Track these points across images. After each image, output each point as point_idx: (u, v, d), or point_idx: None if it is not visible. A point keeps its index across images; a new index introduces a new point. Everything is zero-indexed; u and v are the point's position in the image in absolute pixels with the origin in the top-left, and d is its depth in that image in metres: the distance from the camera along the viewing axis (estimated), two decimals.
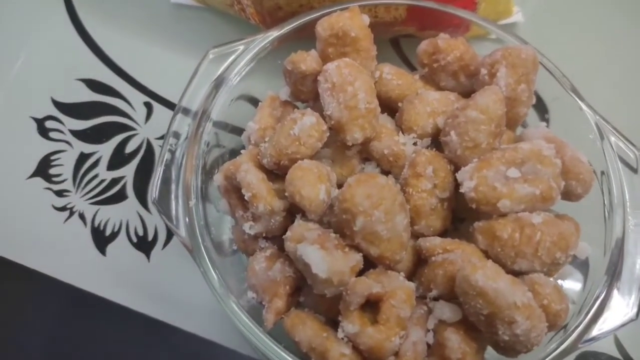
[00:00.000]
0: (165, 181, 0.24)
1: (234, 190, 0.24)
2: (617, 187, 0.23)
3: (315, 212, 0.22)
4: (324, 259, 0.20)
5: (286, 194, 0.22)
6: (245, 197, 0.23)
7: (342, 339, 0.21)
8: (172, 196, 0.23)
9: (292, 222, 0.23)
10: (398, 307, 0.20)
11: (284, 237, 0.22)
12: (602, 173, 0.24)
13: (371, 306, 0.21)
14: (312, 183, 0.22)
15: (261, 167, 0.24)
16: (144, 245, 0.28)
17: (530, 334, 0.20)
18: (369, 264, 0.22)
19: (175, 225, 0.22)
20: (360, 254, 0.21)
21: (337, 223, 0.21)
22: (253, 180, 0.23)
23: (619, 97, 0.32)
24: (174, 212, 0.23)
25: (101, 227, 0.28)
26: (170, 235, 0.28)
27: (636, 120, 0.27)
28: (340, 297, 0.21)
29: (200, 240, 0.22)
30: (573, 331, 0.21)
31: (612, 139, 0.24)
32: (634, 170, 0.24)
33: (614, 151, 0.24)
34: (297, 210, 0.23)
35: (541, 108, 0.27)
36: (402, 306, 0.20)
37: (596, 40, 0.35)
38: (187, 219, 0.22)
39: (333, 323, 0.22)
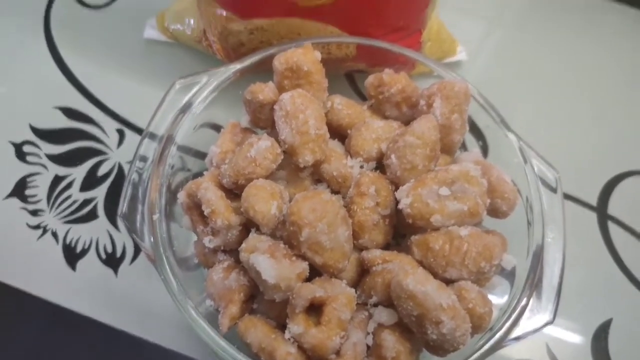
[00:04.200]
0: (133, 199, 0.26)
1: (196, 207, 0.27)
2: (537, 205, 0.26)
3: (267, 226, 0.24)
4: (273, 266, 0.23)
5: (242, 209, 0.25)
6: (205, 213, 0.25)
7: (289, 339, 0.23)
8: (138, 212, 0.25)
9: (247, 236, 0.25)
10: (339, 310, 0.23)
11: (239, 248, 0.24)
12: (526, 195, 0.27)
13: (315, 310, 0.23)
14: (265, 199, 0.25)
15: (221, 187, 0.26)
16: (112, 261, 0.30)
17: (455, 333, 0.22)
18: (315, 272, 0.24)
19: (140, 238, 0.24)
20: (306, 263, 0.23)
21: (287, 235, 0.24)
22: (212, 198, 0.25)
23: (544, 125, 0.36)
24: (139, 226, 0.25)
25: (72, 244, 0.30)
26: (137, 252, 0.30)
27: (557, 148, 0.31)
28: (288, 304, 0.24)
29: (162, 250, 0.24)
30: (497, 331, 0.24)
31: (535, 162, 0.28)
32: (554, 190, 0.27)
33: (536, 173, 0.27)
34: (252, 225, 0.25)
35: (478, 134, 0.31)
36: (342, 309, 0.23)
37: (528, 76, 0.38)
38: (151, 232, 0.24)
39: (282, 327, 0.24)
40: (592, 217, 0.33)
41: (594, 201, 0.34)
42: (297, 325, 0.22)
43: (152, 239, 0.24)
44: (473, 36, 0.39)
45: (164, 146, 0.27)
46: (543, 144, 0.29)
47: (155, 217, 0.25)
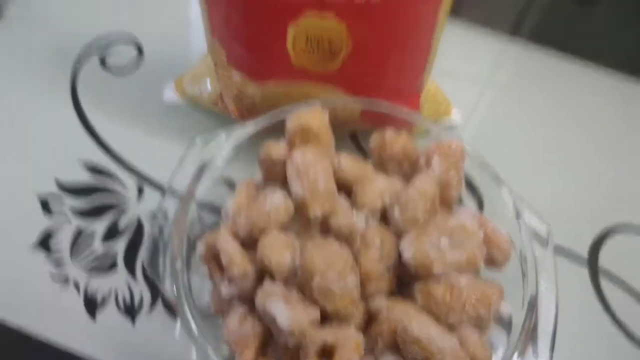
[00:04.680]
0: (154, 249, 0.28)
1: (213, 257, 0.28)
2: (530, 257, 0.28)
3: (281, 274, 0.26)
4: (287, 311, 0.24)
5: (257, 259, 0.27)
6: (223, 262, 0.27)
7: None
8: (160, 261, 0.27)
9: (261, 285, 0.27)
10: (348, 355, 0.24)
11: (255, 295, 0.26)
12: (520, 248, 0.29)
13: (326, 354, 0.25)
14: (279, 249, 0.27)
15: (237, 238, 0.29)
16: (131, 311, 0.31)
17: None
18: (326, 318, 0.26)
19: (161, 285, 0.26)
20: (318, 309, 0.25)
21: (299, 282, 0.26)
22: (230, 248, 0.27)
23: (536, 181, 0.38)
24: (161, 274, 0.27)
25: (93, 295, 0.32)
26: (154, 302, 0.32)
27: (549, 202, 0.33)
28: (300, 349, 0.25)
29: (183, 295, 0.26)
30: None
31: (527, 215, 0.30)
32: (545, 242, 0.29)
33: (528, 227, 0.29)
34: (266, 274, 0.27)
35: (473, 190, 0.33)
36: (351, 354, 0.24)
37: (520, 134, 0.41)
38: (173, 280, 0.26)
39: None
40: (584, 270, 0.35)
41: (584, 254, 0.36)
42: None
43: (174, 286, 0.26)
44: (466, 98, 0.42)
45: (184, 202, 0.29)
46: (535, 198, 0.31)
47: (178, 265, 0.27)
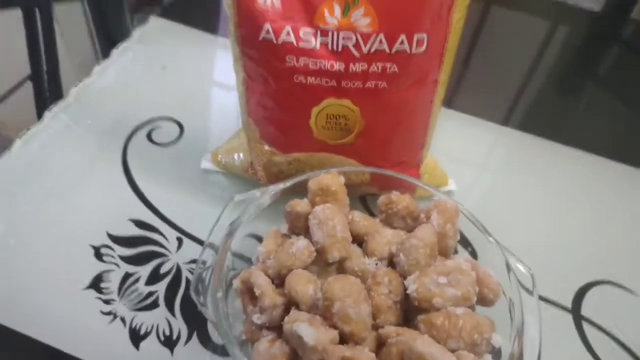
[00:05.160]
0: (196, 290, 0.33)
1: (247, 291, 0.33)
2: (517, 299, 0.33)
3: (306, 304, 0.31)
4: (312, 331, 0.29)
5: (285, 291, 0.32)
6: (256, 294, 0.32)
7: None
8: (202, 298, 0.32)
9: (287, 315, 0.32)
10: None
11: (283, 322, 0.31)
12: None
13: None
14: (303, 283, 0.32)
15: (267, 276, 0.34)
16: (169, 343, 0.36)
17: None
18: (344, 341, 0.30)
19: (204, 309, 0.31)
20: (337, 331, 0.30)
21: (321, 309, 0.31)
22: (262, 282, 0.32)
23: (526, 242, 0.43)
24: (203, 301, 0.32)
25: (137, 328, 0.36)
26: (190, 336, 0.36)
27: (537, 261, 0.38)
28: None
29: (222, 319, 0.31)
30: None
31: (513, 262, 0.35)
32: (530, 287, 0.34)
33: (514, 272, 0.35)
34: (293, 305, 0.32)
35: (467, 243, 0.38)
36: None
37: (509, 202, 0.47)
38: (215, 307, 0.31)
39: None
40: (568, 316, 0.40)
41: (569, 304, 0.41)
42: None
43: (215, 311, 0.31)
44: (464, 176, 0.49)
45: (221, 254, 0.34)
46: (525, 257, 0.36)
47: (219, 295, 0.32)
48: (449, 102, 0.55)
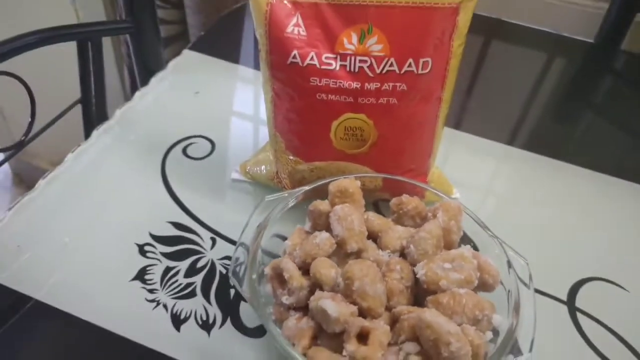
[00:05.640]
0: (234, 273, 0.38)
1: (276, 277, 0.38)
2: (514, 285, 0.38)
3: (329, 284, 0.36)
4: (335, 306, 0.33)
5: (311, 274, 0.37)
6: (285, 277, 0.37)
7: (345, 357, 0.33)
8: (239, 284, 0.37)
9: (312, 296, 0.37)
10: (380, 336, 0.33)
11: (309, 301, 0.35)
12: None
13: (363, 339, 0.34)
14: (327, 267, 0.36)
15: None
16: (206, 326, 0.41)
17: (460, 351, 0.32)
18: (363, 316, 0.35)
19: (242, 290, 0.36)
20: (356, 307, 0.34)
21: (342, 288, 0.35)
22: (291, 267, 0.37)
23: (521, 235, 0.48)
24: (241, 281, 0.36)
25: (178, 313, 0.41)
26: (224, 321, 0.41)
27: (535, 258, 0.42)
28: (342, 341, 0.34)
29: (256, 294, 0.35)
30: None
31: (509, 252, 0.40)
32: (526, 276, 0.39)
33: (510, 262, 0.39)
34: (317, 287, 0.37)
35: (468, 239, 0.43)
36: (382, 336, 0.33)
37: (514, 213, 0.52)
38: (249, 286, 0.36)
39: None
40: (564, 308, 0.44)
41: (564, 297, 0.45)
42: (351, 346, 0.33)
43: (250, 289, 0.36)
44: (472, 185, 0.54)
45: (254, 252, 0.39)
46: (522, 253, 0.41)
47: (254, 276, 0.37)
48: (458, 124, 0.61)
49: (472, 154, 0.59)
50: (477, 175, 0.57)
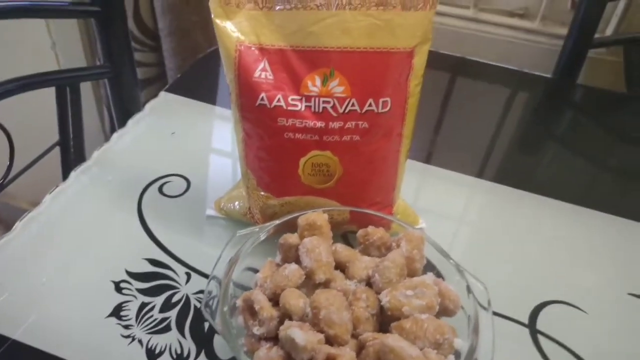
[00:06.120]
0: (207, 305, 0.39)
1: (248, 308, 0.40)
2: (473, 310, 0.40)
3: (298, 314, 0.37)
4: (303, 334, 0.35)
5: (280, 305, 0.38)
6: (256, 309, 0.38)
7: None
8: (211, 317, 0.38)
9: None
10: None
11: (278, 331, 0.37)
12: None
13: None
14: (295, 297, 0.38)
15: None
16: (181, 359, 0.42)
17: None
18: (330, 343, 0.36)
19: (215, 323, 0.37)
20: (323, 335, 0.36)
21: (310, 317, 0.37)
22: (261, 298, 0.39)
23: (484, 263, 0.51)
24: (213, 315, 0.38)
25: (152, 348, 0.42)
26: (198, 353, 0.42)
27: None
28: None
29: (227, 326, 0.37)
30: None
31: (469, 278, 0.42)
32: (485, 301, 0.41)
33: (470, 286, 0.41)
34: (286, 317, 0.38)
35: (431, 266, 0.45)
36: None
37: (478, 241, 0.55)
38: (221, 318, 0.37)
39: None
40: (525, 331, 0.46)
41: (525, 320, 0.47)
42: None
43: (222, 322, 0.37)
44: (433, 215, 0.57)
45: (226, 285, 0.41)
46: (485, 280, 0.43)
47: (225, 309, 0.38)
48: (428, 158, 0.65)
49: (442, 186, 0.62)
50: (446, 206, 0.59)
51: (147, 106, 0.69)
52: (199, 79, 0.77)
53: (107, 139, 0.62)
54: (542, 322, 0.47)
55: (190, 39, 1.00)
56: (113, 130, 0.63)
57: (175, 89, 0.73)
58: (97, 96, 1.11)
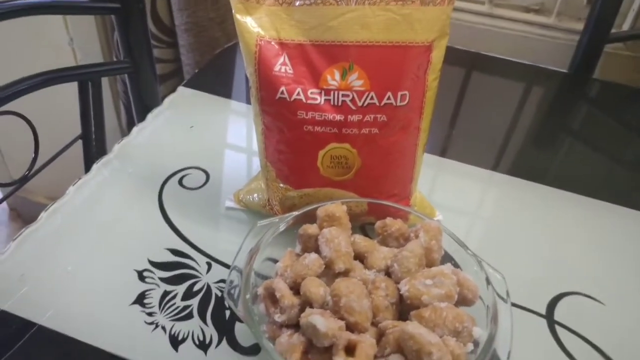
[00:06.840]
0: (229, 295, 0.40)
1: (269, 296, 0.40)
2: (492, 299, 0.40)
3: (318, 302, 0.38)
4: (324, 321, 0.36)
5: (301, 292, 0.39)
6: (277, 297, 0.39)
7: None
8: (233, 304, 0.39)
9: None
10: (366, 349, 0.35)
11: (299, 318, 0.38)
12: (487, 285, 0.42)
13: (350, 352, 0.36)
14: (316, 286, 0.39)
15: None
16: (203, 346, 0.43)
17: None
18: (350, 330, 0.37)
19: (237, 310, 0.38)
20: (344, 322, 0.37)
21: (330, 305, 0.38)
22: (282, 287, 0.40)
23: (503, 254, 0.51)
24: (236, 302, 0.39)
25: (175, 334, 0.43)
26: (220, 341, 0.43)
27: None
28: (331, 355, 0.36)
29: (250, 313, 0.38)
30: None
31: (487, 268, 0.42)
32: (503, 290, 0.41)
33: (488, 276, 0.42)
34: (307, 304, 0.39)
35: (449, 257, 0.46)
36: (368, 349, 0.35)
37: (497, 232, 0.55)
38: (245, 307, 0.38)
39: None
40: (543, 322, 0.47)
41: (543, 311, 0.47)
42: (340, 358, 0.35)
43: (244, 309, 0.38)
44: (458, 209, 0.57)
45: (247, 274, 0.41)
46: (507, 274, 0.43)
47: (247, 297, 0.39)
48: (444, 152, 0.65)
49: (457, 180, 0.63)
50: (462, 199, 0.60)
51: (166, 100, 0.70)
52: (216, 74, 0.78)
53: (123, 133, 0.64)
54: (560, 313, 0.47)
55: (206, 35, 1.01)
56: (130, 125, 0.65)
57: (193, 84, 0.74)
58: (113, 92, 1.13)
